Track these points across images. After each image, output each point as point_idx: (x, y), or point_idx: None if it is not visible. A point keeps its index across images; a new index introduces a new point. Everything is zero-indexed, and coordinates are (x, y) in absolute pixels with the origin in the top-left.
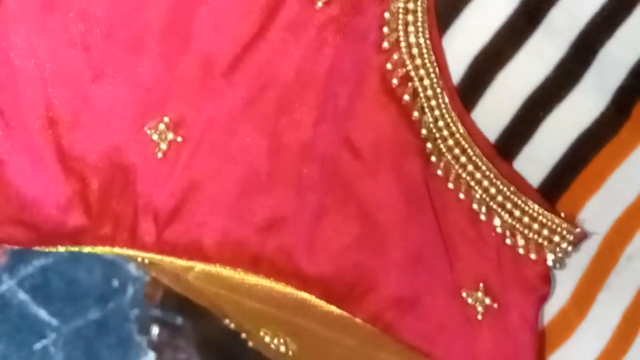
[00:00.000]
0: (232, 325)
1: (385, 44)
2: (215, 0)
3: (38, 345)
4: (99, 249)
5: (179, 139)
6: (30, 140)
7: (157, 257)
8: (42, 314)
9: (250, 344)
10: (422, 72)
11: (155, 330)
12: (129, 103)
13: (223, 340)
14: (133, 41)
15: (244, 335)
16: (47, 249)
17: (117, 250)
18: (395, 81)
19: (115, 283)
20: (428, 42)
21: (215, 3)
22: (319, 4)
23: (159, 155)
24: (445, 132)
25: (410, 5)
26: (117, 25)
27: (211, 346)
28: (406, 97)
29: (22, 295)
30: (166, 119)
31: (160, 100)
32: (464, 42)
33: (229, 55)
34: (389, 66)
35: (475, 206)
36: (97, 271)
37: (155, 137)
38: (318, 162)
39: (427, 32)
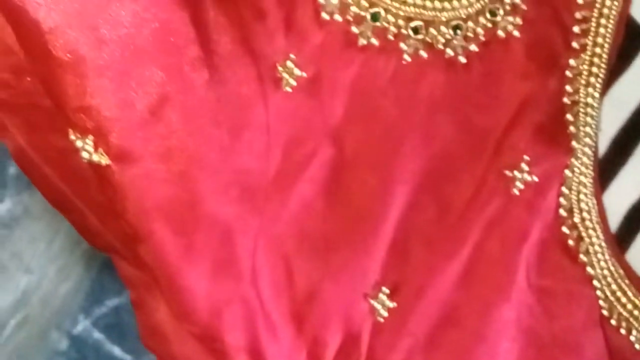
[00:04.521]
0: None
1: (562, 211)
2: None
3: None
4: None
5: (394, 304)
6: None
7: None
8: (117, 351)
9: None
10: (589, 225)
11: None
12: (358, 273)
13: None
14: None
15: None
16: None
17: None
18: (571, 242)
19: None
20: (595, 204)
21: None
22: (516, 191)
23: (380, 320)
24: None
25: (583, 179)
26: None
27: None
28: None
29: (97, 335)
30: (385, 289)
31: (381, 270)
32: (621, 196)
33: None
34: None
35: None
36: None
37: (376, 304)
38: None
39: (594, 197)
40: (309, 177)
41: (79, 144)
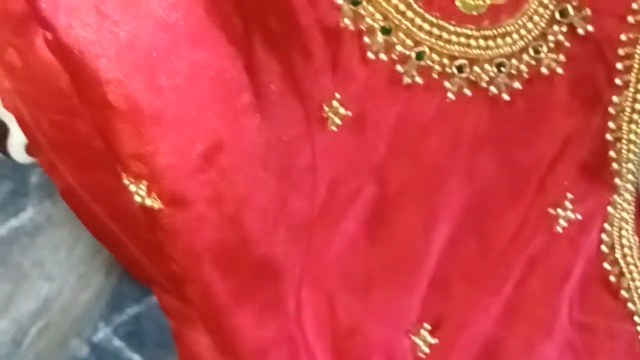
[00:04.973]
0: None
1: (604, 248)
2: None
3: None
4: None
5: (436, 340)
6: (313, 346)
7: None
8: (137, 359)
9: None
10: (630, 261)
11: None
12: (399, 309)
13: None
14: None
15: None
16: None
17: None
18: (612, 278)
19: None
20: (637, 240)
21: None
22: (559, 229)
23: (422, 356)
24: None
25: (625, 215)
26: None
27: None
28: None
29: (117, 342)
30: (426, 325)
31: (422, 306)
32: None
33: None
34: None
35: None
36: None
37: (417, 340)
38: None
39: (636, 233)
40: (353, 215)
41: (132, 188)
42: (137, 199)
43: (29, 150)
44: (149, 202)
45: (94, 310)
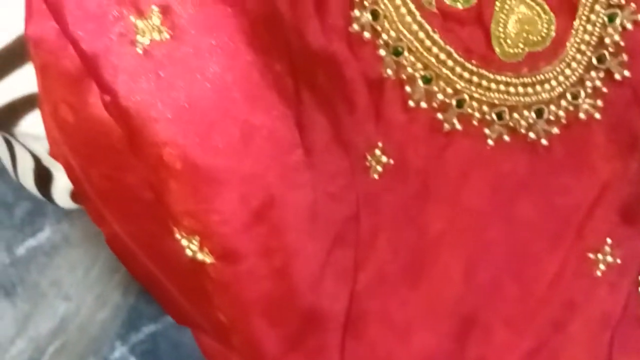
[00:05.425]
0: None
1: None
2: None
3: None
4: None
5: None
6: None
7: None
8: None
9: None
10: None
11: None
12: (439, 352)
13: None
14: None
15: None
16: None
17: None
18: None
19: None
20: None
21: None
22: (598, 273)
23: None
24: None
25: None
26: None
27: None
28: None
29: None
30: None
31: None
32: None
33: None
34: None
35: None
36: None
37: None
38: None
39: None
40: (392, 260)
41: (184, 242)
42: (189, 252)
43: (74, 196)
44: (200, 256)
45: (110, 329)
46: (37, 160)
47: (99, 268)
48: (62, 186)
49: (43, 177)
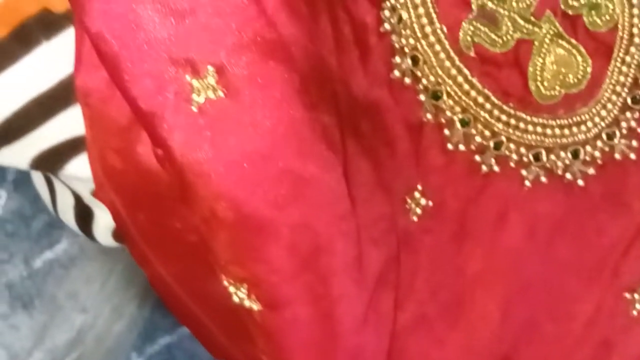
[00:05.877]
0: None
1: None
2: None
3: None
4: None
5: None
6: None
7: None
8: None
9: None
10: None
11: None
12: None
13: None
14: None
15: None
16: None
17: None
18: None
19: None
20: None
21: None
22: (634, 313)
23: None
24: None
25: None
26: None
27: None
28: None
29: None
30: None
31: None
32: None
33: None
34: None
35: None
36: None
37: None
38: None
39: None
40: (430, 300)
41: (231, 289)
42: (236, 299)
43: (116, 235)
44: (247, 303)
45: (126, 340)
46: (77, 198)
47: (115, 280)
48: (103, 224)
49: (84, 215)
